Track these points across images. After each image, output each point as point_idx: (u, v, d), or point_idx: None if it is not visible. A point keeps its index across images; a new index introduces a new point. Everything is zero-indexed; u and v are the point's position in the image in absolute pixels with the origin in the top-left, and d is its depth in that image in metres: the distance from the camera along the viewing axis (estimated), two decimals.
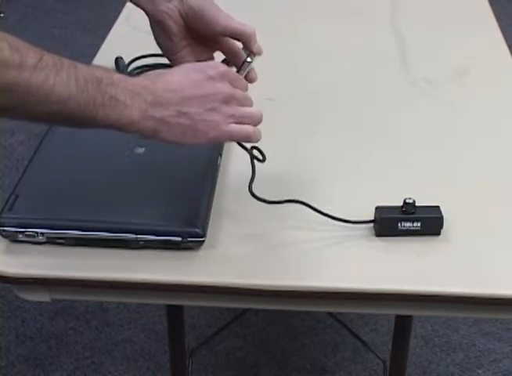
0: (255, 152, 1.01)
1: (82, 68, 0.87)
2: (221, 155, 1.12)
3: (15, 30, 3.65)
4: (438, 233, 1.00)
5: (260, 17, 1.58)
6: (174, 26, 1.08)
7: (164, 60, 1.37)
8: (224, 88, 0.94)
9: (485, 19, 1.57)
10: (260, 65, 1.40)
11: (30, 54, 0.83)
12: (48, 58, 0.85)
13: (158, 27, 1.09)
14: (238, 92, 0.97)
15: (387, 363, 1.64)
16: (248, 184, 1.00)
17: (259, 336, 2.01)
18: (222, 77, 0.95)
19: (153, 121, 0.90)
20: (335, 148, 1.18)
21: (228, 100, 0.94)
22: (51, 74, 0.84)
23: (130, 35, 1.49)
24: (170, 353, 1.56)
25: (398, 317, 1.53)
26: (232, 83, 0.96)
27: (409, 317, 1.53)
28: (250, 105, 0.98)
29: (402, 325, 1.54)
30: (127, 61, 1.37)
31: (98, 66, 0.90)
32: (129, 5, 1.61)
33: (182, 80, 0.93)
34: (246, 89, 0.99)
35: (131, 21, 1.54)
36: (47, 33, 3.50)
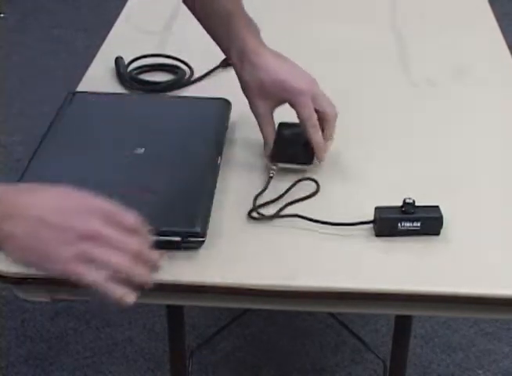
0: None
1: None
2: (221, 155, 1.12)
3: (15, 30, 3.67)
4: (437, 233, 1.00)
5: (260, 18, 1.58)
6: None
7: (164, 60, 1.38)
8: (89, 224, 0.83)
9: (485, 19, 1.57)
10: None
11: None
12: None
13: None
14: (109, 235, 0.84)
15: (387, 363, 1.64)
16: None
17: (259, 336, 2.01)
18: (94, 212, 0.85)
19: (3, 233, 0.82)
20: (335, 148, 1.17)
21: (90, 238, 0.83)
22: None
23: (130, 35, 1.49)
24: (170, 353, 1.56)
25: (398, 317, 1.54)
26: (112, 223, 0.84)
27: (409, 317, 1.53)
28: (126, 251, 0.84)
29: (402, 325, 1.54)
30: (127, 61, 1.37)
31: None
32: (129, 5, 1.61)
33: (47, 203, 0.84)
34: (128, 228, 0.86)
35: (131, 21, 1.54)
36: (47, 33, 3.50)
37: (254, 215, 1.03)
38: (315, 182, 1.08)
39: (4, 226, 0.82)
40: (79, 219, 0.84)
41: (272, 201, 1.05)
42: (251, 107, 1.12)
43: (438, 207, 1.01)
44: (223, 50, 1.15)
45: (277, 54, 1.13)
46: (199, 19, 1.15)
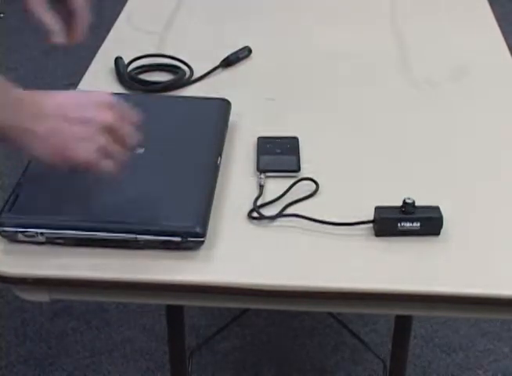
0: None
1: None
2: (221, 155, 1.12)
3: (15, 30, 3.67)
4: (437, 233, 1.00)
5: (261, 18, 1.58)
6: None
7: (164, 60, 1.38)
8: (106, 117, 0.92)
9: (485, 19, 1.57)
10: (261, 65, 1.40)
11: None
12: None
13: None
14: (119, 125, 0.93)
15: (387, 363, 1.64)
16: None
17: (259, 336, 2.01)
18: (110, 107, 0.93)
19: (31, 134, 0.89)
20: (335, 148, 1.18)
21: (106, 130, 0.92)
22: None
23: (130, 35, 1.49)
24: (170, 353, 1.57)
25: (398, 317, 1.54)
26: (119, 115, 0.94)
27: (409, 317, 1.53)
28: (130, 143, 0.95)
29: (402, 325, 1.55)
30: (127, 61, 1.37)
31: None
32: (129, 5, 1.61)
33: (66, 101, 0.93)
34: (133, 124, 0.96)
35: (131, 21, 1.54)
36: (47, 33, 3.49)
37: (254, 215, 1.03)
38: (315, 182, 1.08)
39: (29, 126, 0.88)
40: (96, 112, 0.92)
41: (272, 201, 1.05)
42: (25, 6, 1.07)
43: (438, 207, 1.01)
44: None
45: None
46: None
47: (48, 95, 0.92)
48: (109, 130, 0.92)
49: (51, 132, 0.89)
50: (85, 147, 0.90)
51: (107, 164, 0.92)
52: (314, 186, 1.08)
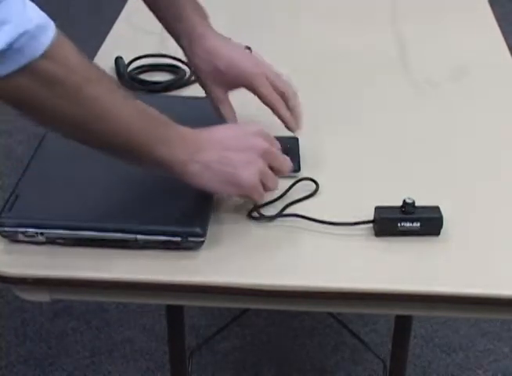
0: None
1: (141, 103, 0.93)
2: None
3: None
4: (437, 233, 1.00)
5: (261, 18, 1.58)
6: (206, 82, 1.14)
7: (164, 60, 1.38)
8: (263, 144, 0.99)
9: (485, 19, 1.57)
10: None
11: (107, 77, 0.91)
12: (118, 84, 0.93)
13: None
14: (273, 151, 1.01)
15: (387, 363, 1.64)
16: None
17: (259, 336, 2.01)
18: (263, 135, 1.01)
19: (199, 165, 0.95)
20: (335, 148, 1.18)
21: (265, 155, 0.98)
22: (121, 99, 0.91)
23: (130, 35, 1.49)
24: (170, 353, 1.56)
25: (398, 317, 1.54)
26: (271, 143, 1.01)
27: (409, 317, 1.53)
28: (287, 167, 1.02)
29: (402, 325, 1.55)
30: (127, 61, 1.37)
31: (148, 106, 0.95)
32: (129, 5, 1.61)
33: (225, 133, 1.00)
34: (281, 151, 1.03)
35: (131, 21, 1.54)
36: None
37: (254, 215, 1.03)
38: (315, 182, 1.08)
39: (200, 158, 0.95)
40: (253, 140, 0.99)
41: (272, 201, 1.05)
42: (206, 92, 1.15)
43: (438, 207, 1.01)
44: (170, 33, 1.16)
45: (224, 38, 1.15)
46: (148, 4, 1.16)
47: (207, 130, 0.99)
48: (266, 156, 0.99)
49: (216, 162, 0.96)
50: (250, 171, 0.97)
51: (266, 189, 1.00)
52: (314, 186, 1.08)
